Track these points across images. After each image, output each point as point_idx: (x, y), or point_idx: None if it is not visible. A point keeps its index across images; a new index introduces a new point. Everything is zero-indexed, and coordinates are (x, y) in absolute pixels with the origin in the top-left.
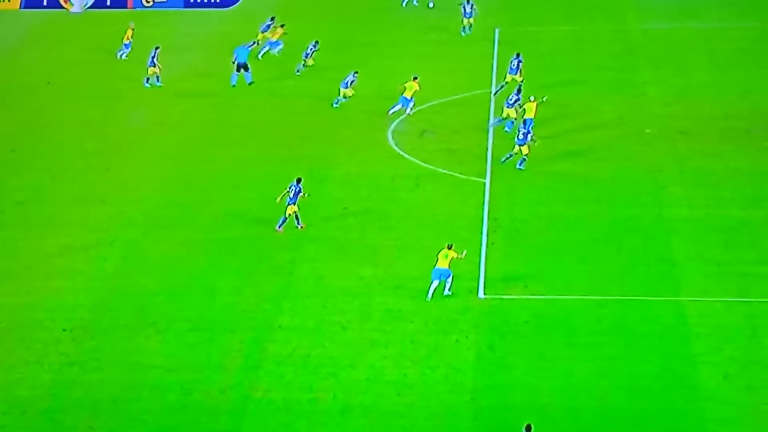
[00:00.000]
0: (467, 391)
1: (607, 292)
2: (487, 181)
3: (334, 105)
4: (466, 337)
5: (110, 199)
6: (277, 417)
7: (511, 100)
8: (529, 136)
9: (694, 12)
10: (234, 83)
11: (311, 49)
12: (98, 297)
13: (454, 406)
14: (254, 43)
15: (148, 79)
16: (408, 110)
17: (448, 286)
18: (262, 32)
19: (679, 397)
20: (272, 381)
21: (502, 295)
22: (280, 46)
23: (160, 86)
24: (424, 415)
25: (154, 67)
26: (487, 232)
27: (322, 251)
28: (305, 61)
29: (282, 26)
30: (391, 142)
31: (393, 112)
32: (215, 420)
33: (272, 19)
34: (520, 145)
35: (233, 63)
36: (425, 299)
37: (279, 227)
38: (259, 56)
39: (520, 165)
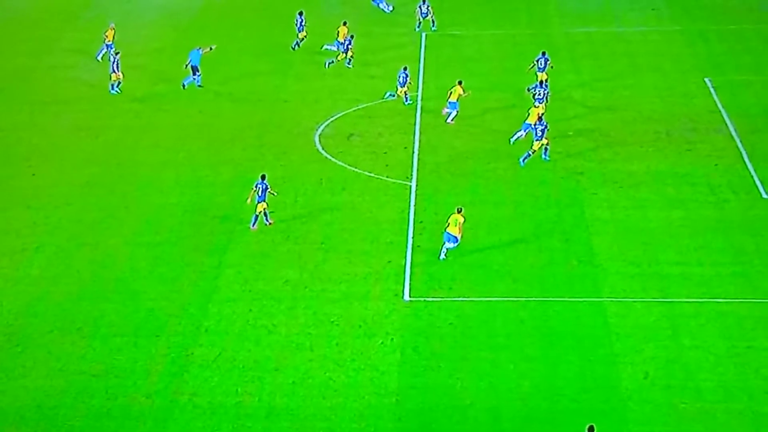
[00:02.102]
0: (392, 392)
1: (530, 294)
2: (413, 184)
3: (406, 102)
4: (391, 339)
5: (35, 204)
6: (203, 421)
7: (539, 95)
8: (543, 132)
9: (615, 16)
10: (185, 85)
11: (346, 43)
12: (23, 303)
13: (378, 408)
14: (210, 48)
15: (113, 85)
16: (448, 111)
17: (444, 250)
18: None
19: (600, 398)
20: (198, 385)
21: (427, 297)
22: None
23: (119, 93)
24: (349, 418)
25: (117, 73)
26: (413, 234)
27: (248, 255)
28: (344, 55)
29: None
30: (318, 145)
31: (446, 113)
32: (141, 425)
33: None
34: (539, 140)
35: (186, 66)
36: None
37: (253, 225)
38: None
39: (545, 155)
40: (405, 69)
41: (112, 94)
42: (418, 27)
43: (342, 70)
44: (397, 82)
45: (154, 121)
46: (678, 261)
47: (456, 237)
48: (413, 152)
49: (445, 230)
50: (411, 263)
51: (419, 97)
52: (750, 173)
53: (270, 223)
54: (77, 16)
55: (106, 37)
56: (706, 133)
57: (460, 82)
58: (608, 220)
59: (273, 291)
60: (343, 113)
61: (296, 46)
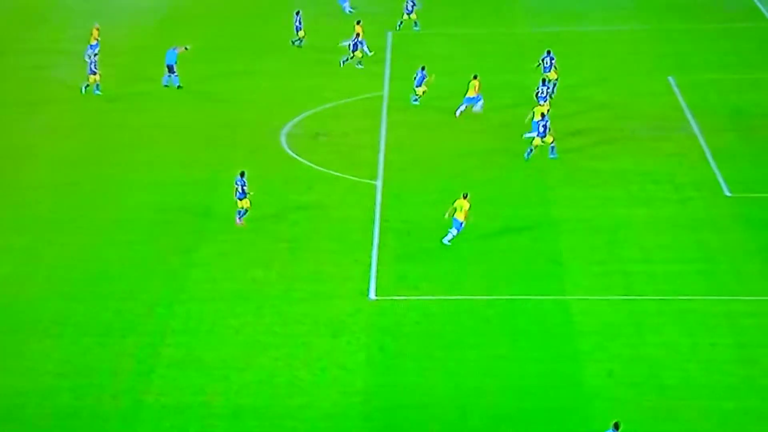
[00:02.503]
0: (358, 392)
1: (496, 292)
2: (379, 183)
3: (413, 102)
4: (357, 338)
5: (2, 204)
6: (170, 420)
7: (542, 93)
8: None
9: (583, 15)
10: (167, 85)
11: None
12: None
13: (345, 407)
14: (185, 48)
15: (87, 86)
16: (477, 107)
17: (450, 236)
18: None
19: (565, 395)
20: (165, 385)
21: (393, 296)
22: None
23: (99, 94)
24: (316, 417)
25: (95, 74)
26: (379, 233)
27: (216, 255)
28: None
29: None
30: (285, 145)
31: (476, 109)
32: (108, 425)
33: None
34: (542, 137)
35: (167, 66)
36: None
37: (239, 220)
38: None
39: (552, 154)
40: (423, 69)
41: (93, 93)
42: (401, 26)
43: (313, 69)
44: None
45: (124, 121)
46: (642, 259)
47: (461, 222)
48: (380, 151)
49: (452, 216)
50: (377, 262)
51: (385, 97)
52: (713, 171)
53: (239, 224)
54: (45, 18)
55: (91, 37)
56: (671, 131)
57: (475, 77)
58: (574, 219)
59: (240, 290)
60: (311, 112)
61: (298, 43)
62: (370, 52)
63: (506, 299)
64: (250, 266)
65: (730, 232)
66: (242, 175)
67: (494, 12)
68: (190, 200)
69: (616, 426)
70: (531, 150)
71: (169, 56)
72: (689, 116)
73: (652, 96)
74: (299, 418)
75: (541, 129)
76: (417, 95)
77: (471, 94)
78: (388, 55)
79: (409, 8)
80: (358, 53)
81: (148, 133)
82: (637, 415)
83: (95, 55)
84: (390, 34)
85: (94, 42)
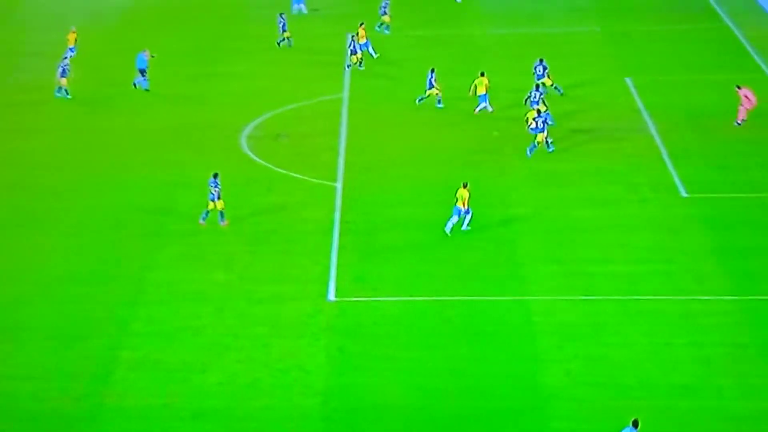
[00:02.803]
0: (318, 393)
1: (456, 293)
2: (339, 184)
3: (417, 102)
4: (318, 339)
5: None
6: (131, 423)
7: (534, 98)
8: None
9: (540, 17)
10: (136, 86)
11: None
12: None
13: (305, 408)
14: (152, 55)
15: (60, 89)
16: (483, 106)
17: (466, 221)
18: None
19: (524, 396)
20: (125, 387)
21: (353, 297)
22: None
23: (69, 98)
24: (276, 418)
25: (65, 78)
26: (339, 235)
27: (176, 257)
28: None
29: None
30: (245, 147)
31: (483, 107)
32: (69, 428)
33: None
34: (539, 133)
35: (138, 70)
36: (444, 231)
37: (221, 221)
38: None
39: (549, 148)
40: (432, 71)
41: (57, 97)
42: (379, 27)
43: (270, 73)
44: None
45: (85, 124)
46: (601, 259)
47: (460, 209)
48: (340, 153)
49: (454, 205)
50: (337, 264)
51: (345, 99)
52: (670, 172)
53: (202, 224)
54: (3, 19)
55: (68, 40)
56: (628, 132)
57: (482, 74)
58: (534, 220)
59: (201, 292)
60: (272, 114)
61: (286, 43)
62: (376, 53)
63: (466, 300)
64: (210, 268)
65: (686, 232)
66: (215, 176)
67: (452, 14)
68: (150, 202)
69: (635, 424)
70: (534, 146)
71: (140, 60)
72: (647, 117)
73: (611, 97)
74: (260, 419)
75: (540, 124)
76: (437, 96)
77: (482, 91)
78: (348, 58)
79: (384, 10)
80: (358, 56)
81: (107, 136)
82: (594, 415)
83: (65, 58)
84: (350, 35)
85: (71, 45)
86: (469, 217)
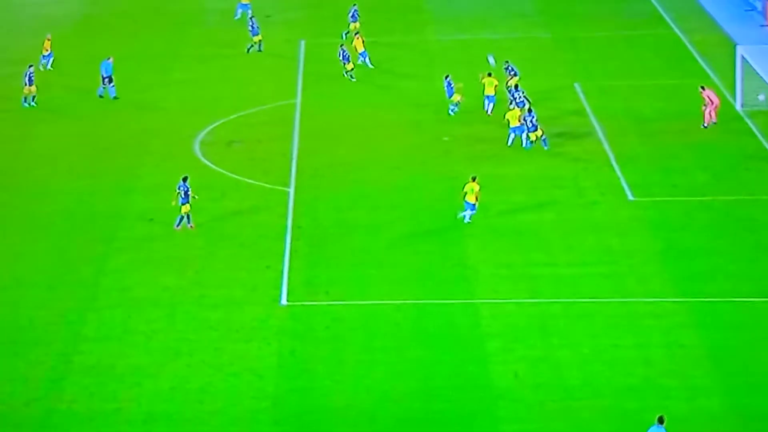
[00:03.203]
0: (269, 396)
1: (405, 296)
2: (291, 189)
3: (450, 113)
4: (269, 343)
5: None
6: (82, 428)
7: (520, 99)
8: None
9: (488, 23)
10: (102, 96)
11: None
12: None
13: (255, 412)
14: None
15: (25, 99)
16: (491, 106)
17: (468, 216)
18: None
19: (472, 398)
20: (77, 392)
21: (304, 301)
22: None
23: (35, 106)
24: (227, 422)
25: (32, 86)
26: (291, 240)
27: (128, 262)
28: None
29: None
30: (198, 152)
31: (492, 112)
32: None
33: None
34: (533, 131)
35: (103, 78)
36: (458, 218)
37: (177, 226)
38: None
39: (544, 144)
40: (447, 77)
41: (24, 107)
42: (346, 34)
43: (224, 79)
44: (446, 93)
45: (35, 130)
46: (548, 262)
47: (473, 204)
48: (292, 158)
49: (463, 199)
50: (289, 268)
51: (298, 104)
52: (617, 175)
53: (191, 227)
54: None
55: (44, 48)
56: (576, 136)
57: (489, 74)
58: (481, 224)
59: (152, 297)
60: (224, 120)
61: (256, 48)
62: (372, 65)
63: (415, 303)
64: (162, 273)
65: (632, 235)
66: (185, 180)
67: (402, 20)
68: (104, 208)
69: (661, 420)
70: (531, 143)
71: (105, 67)
72: (594, 122)
73: (559, 102)
74: (211, 423)
75: (531, 124)
76: (454, 103)
77: (490, 92)
78: (301, 63)
79: (354, 17)
80: (349, 65)
81: (59, 142)
82: (541, 416)
83: (30, 66)
84: (303, 42)
85: (46, 53)
86: (473, 212)
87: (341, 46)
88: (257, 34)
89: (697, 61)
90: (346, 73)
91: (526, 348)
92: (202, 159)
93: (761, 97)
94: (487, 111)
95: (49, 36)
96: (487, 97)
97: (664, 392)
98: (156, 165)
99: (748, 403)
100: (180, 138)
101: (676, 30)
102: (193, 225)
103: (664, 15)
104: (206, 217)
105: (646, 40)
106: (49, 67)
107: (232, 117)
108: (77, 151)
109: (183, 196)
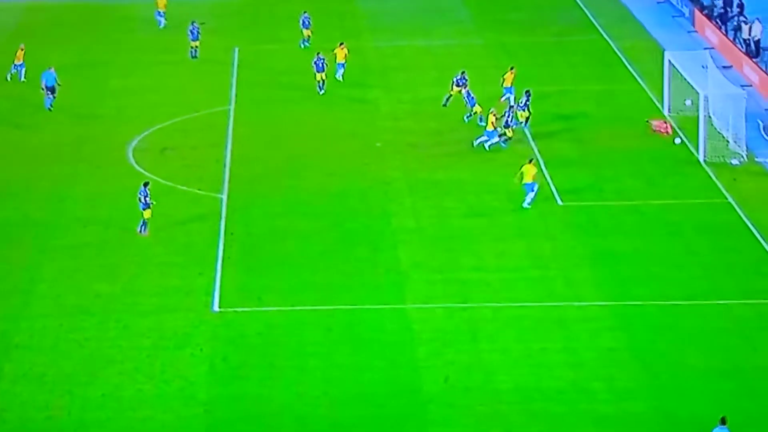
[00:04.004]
0: (201, 403)
1: (337, 302)
2: (224, 196)
3: (466, 120)
4: (201, 350)
5: None
6: None
7: (521, 103)
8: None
9: (423, 30)
10: (48, 106)
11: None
12: None
13: (187, 419)
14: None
15: None
16: (506, 98)
17: (529, 199)
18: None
19: (403, 402)
20: (7, 400)
21: (237, 308)
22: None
23: None
24: (159, 429)
25: None
26: (223, 246)
27: (61, 270)
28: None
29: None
30: (132, 159)
31: (504, 100)
32: None
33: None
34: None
35: (42, 89)
36: (521, 206)
37: (143, 231)
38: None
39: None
40: (464, 77)
41: None
42: (304, 43)
43: (158, 86)
44: (466, 103)
45: None
46: (478, 267)
47: (533, 183)
48: (225, 165)
49: (522, 182)
50: (221, 274)
51: (232, 111)
52: (547, 181)
53: (146, 234)
54: None
55: (17, 57)
56: (507, 142)
57: (512, 69)
58: (414, 229)
59: (85, 305)
60: (158, 127)
61: (193, 53)
62: (342, 78)
63: (347, 309)
64: (94, 281)
65: (561, 239)
66: (145, 185)
67: (339, 27)
68: (37, 216)
69: (723, 421)
70: (506, 140)
71: (47, 78)
72: (524, 127)
73: (489, 107)
74: (143, 430)
75: (510, 121)
76: (470, 113)
77: (508, 84)
78: (235, 70)
79: (306, 24)
80: (322, 74)
81: None
82: (471, 419)
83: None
84: (237, 49)
85: (19, 62)
86: (533, 193)
87: (318, 54)
88: (196, 40)
89: (626, 66)
90: (320, 83)
91: (456, 352)
92: (136, 166)
93: (688, 102)
94: (501, 99)
95: (22, 46)
96: (505, 88)
97: (592, 395)
98: (90, 172)
99: (674, 406)
100: (114, 145)
101: (606, 36)
102: (147, 232)
103: (594, 22)
104: (139, 224)
105: (577, 46)
106: (22, 78)
107: (166, 124)
108: (12, 159)
109: (143, 201)
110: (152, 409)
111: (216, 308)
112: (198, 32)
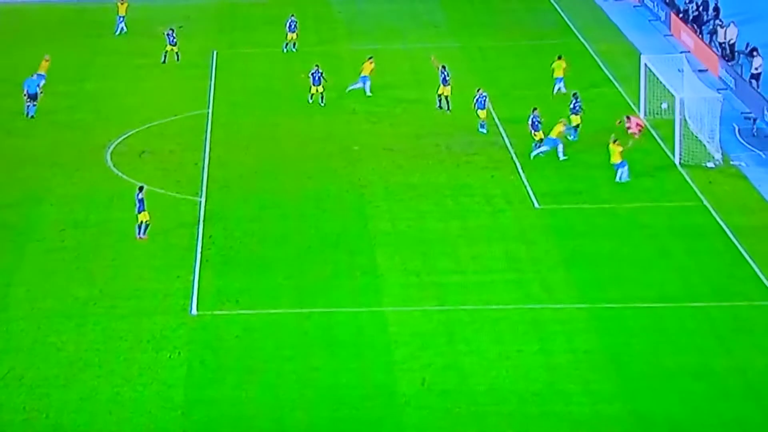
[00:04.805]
0: (178, 406)
1: (314, 305)
2: (202, 199)
3: (481, 131)
4: (179, 353)
5: None
6: None
7: (574, 107)
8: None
9: (399, 33)
10: (32, 114)
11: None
12: None
13: (165, 422)
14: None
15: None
16: (559, 87)
17: (623, 174)
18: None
19: (379, 404)
20: None
21: (214, 311)
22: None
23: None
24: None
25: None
26: (201, 249)
27: (38, 273)
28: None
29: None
30: (109, 162)
31: (557, 91)
32: None
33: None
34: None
35: (25, 96)
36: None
37: (142, 235)
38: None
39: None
40: (480, 91)
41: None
42: (288, 47)
43: (135, 89)
44: (475, 108)
45: None
46: (455, 270)
47: (624, 162)
48: (204, 168)
49: (612, 163)
50: (199, 278)
51: (209, 114)
52: (524, 184)
53: (143, 238)
54: None
55: (41, 68)
56: (483, 145)
57: (560, 57)
58: (390, 232)
59: (62, 308)
60: (136, 131)
61: (164, 59)
62: (359, 86)
63: (324, 312)
64: (72, 284)
65: (538, 242)
66: (141, 189)
67: (316, 30)
68: (11, 220)
69: None
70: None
71: (29, 85)
72: (501, 131)
73: (467, 111)
74: None
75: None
76: (483, 120)
77: (559, 74)
78: (213, 73)
79: (292, 27)
80: (318, 87)
81: None
82: (447, 422)
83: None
84: (215, 52)
85: (42, 72)
86: (624, 169)
87: (316, 66)
88: (173, 44)
89: (602, 69)
90: (311, 96)
91: (432, 355)
92: (114, 169)
93: (664, 106)
94: (554, 91)
95: (47, 57)
96: (556, 78)
97: (567, 397)
98: (67, 176)
99: (649, 408)
100: (92, 148)
101: (582, 39)
102: (145, 236)
103: (571, 25)
104: (117, 228)
105: (553, 49)
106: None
107: (144, 127)
108: None
109: (138, 205)
110: (129, 411)
111: (194, 311)
112: (174, 37)
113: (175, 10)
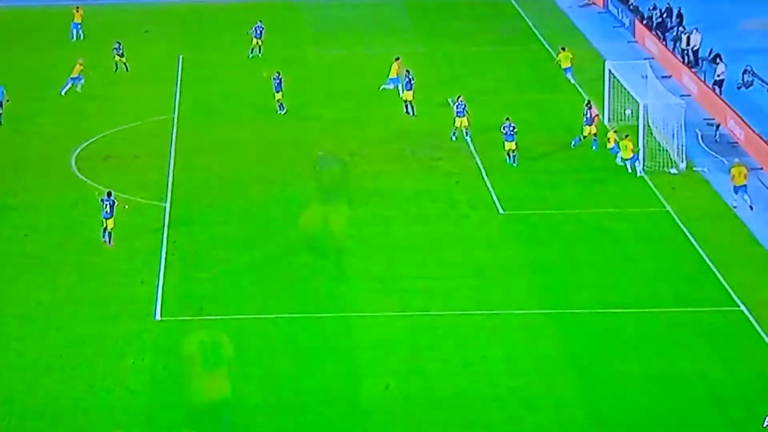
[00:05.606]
0: (141, 412)
1: (278, 311)
2: (167, 204)
3: (459, 137)
4: (142, 359)
5: None
6: None
7: (588, 116)
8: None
9: (364, 39)
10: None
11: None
12: None
13: (128, 428)
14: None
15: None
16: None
17: (638, 168)
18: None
19: (342, 410)
20: None
21: (179, 316)
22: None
23: None
24: None
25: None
26: (166, 254)
27: (1, 278)
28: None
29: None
30: (74, 168)
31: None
32: None
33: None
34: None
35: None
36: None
37: (108, 242)
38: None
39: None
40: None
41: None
42: (253, 52)
43: (104, 92)
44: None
45: None
46: (418, 275)
47: (636, 156)
48: (169, 173)
49: (621, 160)
50: (163, 283)
51: (175, 119)
52: (488, 189)
53: (110, 245)
54: None
55: (74, 71)
56: (448, 151)
57: (563, 48)
58: (355, 237)
59: (25, 314)
60: (101, 136)
61: (123, 68)
62: (391, 87)
63: (288, 317)
64: (36, 290)
65: (502, 248)
66: (109, 195)
67: (282, 35)
68: None
69: None
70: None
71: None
72: (466, 136)
73: (432, 116)
74: None
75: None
76: (466, 128)
77: (566, 64)
78: (179, 78)
79: (258, 33)
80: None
81: None
82: (410, 427)
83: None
84: (181, 56)
85: (76, 75)
86: (635, 160)
87: (277, 72)
88: (121, 56)
89: (566, 76)
90: (279, 103)
91: (396, 360)
92: (79, 175)
93: (628, 112)
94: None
95: (81, 60)
96: (565, 69)
97: (530, 402)
98: (32, 181)
99: (611, 413)
100: (56, 154)
101: (547, 46)
102: (111, 244)
103: (536, 31)
104: (82, 233)
105: (519, 55)
106: (78, 88)
107: (108, 132)
108: None
109: (108, 210)
110: (93, 418)
111: (158, 317)
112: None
113: (142, 14)
